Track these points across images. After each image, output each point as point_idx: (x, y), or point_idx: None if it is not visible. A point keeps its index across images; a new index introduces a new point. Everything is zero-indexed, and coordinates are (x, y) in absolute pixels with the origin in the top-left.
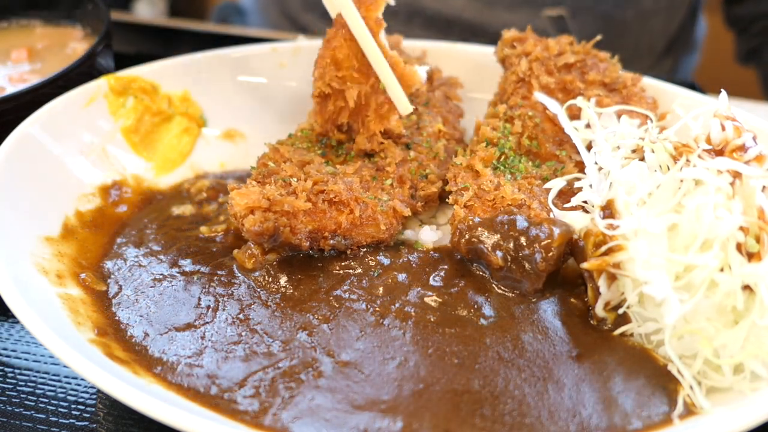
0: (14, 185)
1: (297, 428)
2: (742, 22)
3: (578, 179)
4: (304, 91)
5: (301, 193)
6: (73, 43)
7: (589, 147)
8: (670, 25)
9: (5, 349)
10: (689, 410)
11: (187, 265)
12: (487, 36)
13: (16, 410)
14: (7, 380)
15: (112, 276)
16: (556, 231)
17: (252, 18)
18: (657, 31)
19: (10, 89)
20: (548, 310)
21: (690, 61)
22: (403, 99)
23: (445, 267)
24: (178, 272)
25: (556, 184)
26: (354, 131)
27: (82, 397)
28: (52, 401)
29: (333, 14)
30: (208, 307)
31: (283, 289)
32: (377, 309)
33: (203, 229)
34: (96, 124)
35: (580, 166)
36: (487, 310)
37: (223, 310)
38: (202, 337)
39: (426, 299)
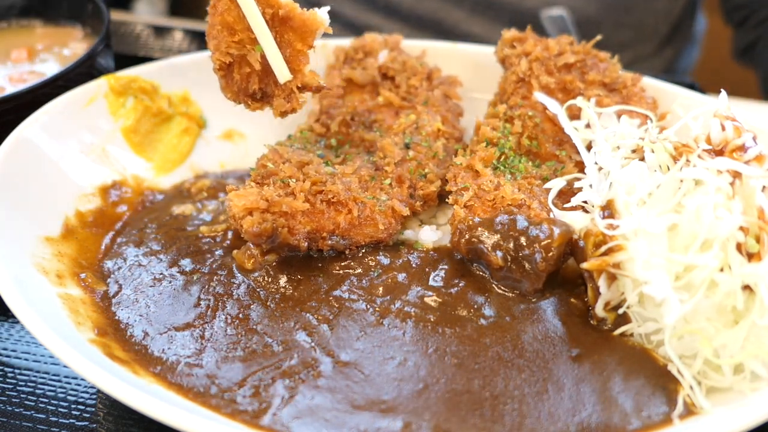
0: (14, 185)
1: (297, 428)
2: (740, 13)
3: (578, 179)
4: None
5: (300, 193)
6: (73, 43)
7: (589, 147)
8: (674, 7)
9: (5, 349)
10: (689, 410)
11: (186, 264)
12: (499, 9)
13: (16, 410)
14: (7, 380)
15: (112, 276)
16: (556, 231)
17: None
18: (661, 10)
19: (10, 89)
20: (548, 310)
21: (690, 55)
22: (282, 66)
23: (445, 267)
24: (177, 272)
25: (556, 184)
26: (269, 96)
27: (82, 397)
28: (52, 401)
29: None
30: (208, 307)
31: (282, 289)
32: (377, 309)
33: (203, 229)
34: (96, 124)
35: (580, 166)
36: (487, 310)
37: (223, 310)
38: (202, 337)
39: (426, 299)
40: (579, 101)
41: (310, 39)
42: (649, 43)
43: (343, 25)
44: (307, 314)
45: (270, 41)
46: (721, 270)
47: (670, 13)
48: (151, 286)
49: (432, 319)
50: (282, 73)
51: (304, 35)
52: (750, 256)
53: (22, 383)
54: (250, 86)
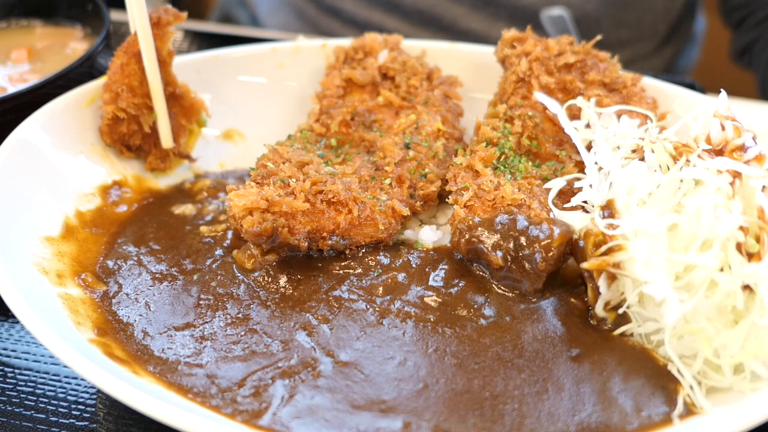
0: (14, 185)
1: (296, 428)
2: (739, 14)
3: (578, 179)
4: (304, 91)
5: (300, 193)
6: (73, 43)
7: (589, 147)
8: (673, 6)
9: (5, 349)
10: (689, 410)
11: (186, 264)
12: (499, 5)
13: (16, 410)
14: (7, 380)
15: (112, 276)
16: (556, 231)
17: (262, 15)
18: (660, 8)
19: (10, 89)
20: (548, 310)
21: (690, 55)
22: (167, 134)
23: (445, 267)
24: (177, 272)
25: (556, 184)
26: (144, 151)
27: (82, 397)
28: (52, 401)
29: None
30: (208, 306)
31: (282, 289)
32: (377, 309)
33: (203, 229)
34: (96, 124)
35: (580, 166)
36: (487, 310)
37: (223, 310)
38: (202, 337)
39: (426, 299)
40: (579, 101)
41: (193, 118)
42: (649, 41)
43: (343, 21)
44: (307, 314)
45: (164, 112)
46: (721, 270)
47: (669, 12)
48: (151, 286)
49: (432, 319)
50: (167, 140)
51: (189, 114)
52: (750, 256)
53: (22, 383)
54: (132, 141)
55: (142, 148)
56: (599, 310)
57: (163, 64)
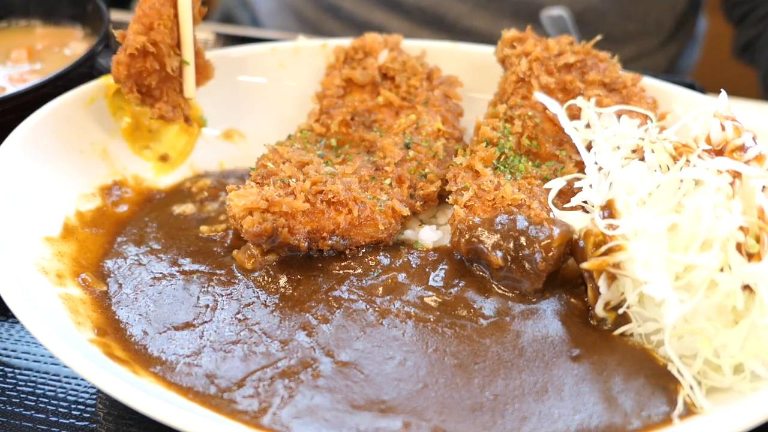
0: (14, 185)
1: (296, 428)
2: (740, 10)
3: (578, 179)
4: (304, 91)
5: (300, 193)
6: (73, 43)
7: (589, 147)
8: (678, 2)
9: (5, 349)
10: (689, 410)
11: (186, 264)
12: (502, 2)
13: (16, 410)
14: (7, 380)
15: (112, 275)
16: (556, 231)
17: (261, 17)
18: (665, 3)
19: (10, 89)
20: (548, 310)
21: (691, 54)
22: (192, 83)
23: (445, 267)
24: (177, 271)
25: (556, 184)
26: (153, 97)
27: (82, 397)
28: (52, 401)
29: None
30: (207, 306)
31: (282, 289)
32: (377, 309)
33: (203, 228)
34: (96, 124)
35: (580, 166)
36: (487, 310)
37: (223, 309)
38: (201, 337)
39: (426, 299)
40: (579, 101)
41: (203, 81)
42: (654, 37)
43: (343, 21)
44: (307, 314)
45: (192, 60)
46: (721, 270)
47: (674, 7)
48: (150, 286)
49: (432, 319)
50: (190, 89)
51: (202, 74)
52: (750, 256)
53: (22, 383)
54: (148, 79)
55: (152, 93)
56: (599, 310)
57: (194, 19)
